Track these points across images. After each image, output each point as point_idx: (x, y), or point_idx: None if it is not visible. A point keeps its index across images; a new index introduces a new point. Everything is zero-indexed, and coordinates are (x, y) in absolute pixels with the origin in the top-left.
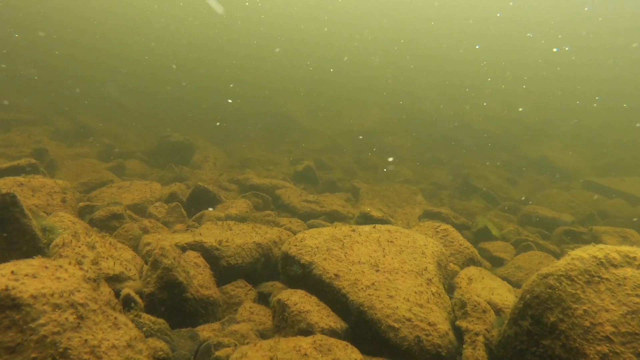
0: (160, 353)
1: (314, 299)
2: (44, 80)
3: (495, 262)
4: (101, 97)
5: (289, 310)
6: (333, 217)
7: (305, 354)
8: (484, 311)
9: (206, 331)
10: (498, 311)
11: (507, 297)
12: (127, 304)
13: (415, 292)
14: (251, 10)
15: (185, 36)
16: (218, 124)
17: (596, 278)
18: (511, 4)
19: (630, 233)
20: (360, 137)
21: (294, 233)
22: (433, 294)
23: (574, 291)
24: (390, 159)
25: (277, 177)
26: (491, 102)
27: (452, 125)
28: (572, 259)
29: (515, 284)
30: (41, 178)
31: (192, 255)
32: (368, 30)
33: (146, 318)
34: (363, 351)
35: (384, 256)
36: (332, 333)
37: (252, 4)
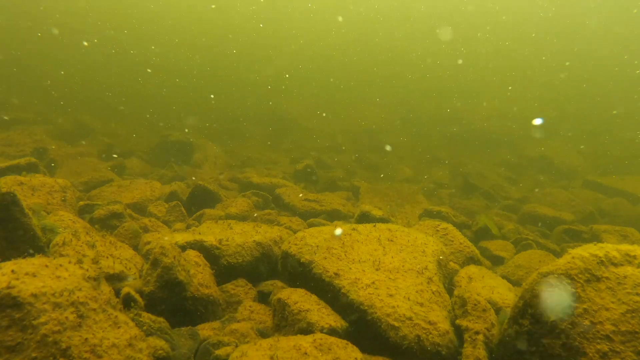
0: (160, 352)
1: (314, 297)
2: (47, 79)
3: (496, 261)
4: (102, 96)
5: (289, 309)
6: (333, 216)
7: (305, 353)
8: (484, 310)
9: (206, 330)
10: (498, 310)
11: (507, 295)
12: (127, 302)
13: (416, 291)
14: (252, 10)
15: (184, 37)
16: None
17: (596, 277)
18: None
19: (630, 232)
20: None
21: (294, 232)
22: (433, 293)
23: (574, 290)
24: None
25: (277, 176)
26: (492, 101)
27: (452, 123)
28: (573, 257)
29: (516, 283)
30: (41, 177)
31: (192, 254)
32: (369, 29)
33: (146, 317)
34: (363, 350)
35: (384, 255)
36: (332, 332)
37: (252, 4)
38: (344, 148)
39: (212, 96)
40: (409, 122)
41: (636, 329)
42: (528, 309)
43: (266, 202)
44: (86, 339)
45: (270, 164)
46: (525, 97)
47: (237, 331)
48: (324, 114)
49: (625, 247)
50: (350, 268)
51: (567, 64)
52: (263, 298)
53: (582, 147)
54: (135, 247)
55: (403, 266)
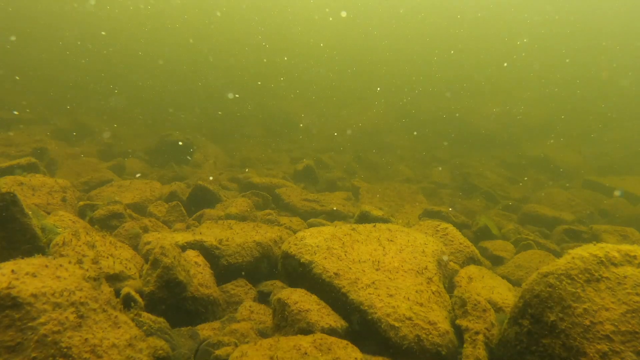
0: (160, 352)
1: (314, 297)
2: (45, 79)
3: (496, 261)
4: (102, 96)
5: (289, 309)
6: (333, 216)
7: (305, 353)
8: (484, 310)
9: (206, 330)
10: (498, 310)
11: (507, 296)
12: (127, 303)
13: (416, 291)
14: (249, 10)
15: (184, 37)
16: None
17: (596, 277)
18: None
19: (630, 232)
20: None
21: (294, 232)
22: (433, 293)
23: (574, 290)
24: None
25: (277, 176)
26: (492, 101)
27: (453, 123)
28: (573, 257)
29: (516, 283)
30: (41, 177)
31: (192, 254)
32: (368, 29)
33: (146, 317)
34: (363, 350)
35: (384, 255)
36: (332, 332)
37: (250, 4)
38: (343, 148)
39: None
40: (409, 122)
41: (636, 329)
42: (528, 309)
43: (266, 202)
44: (86, 339)
45: (270, 164)
46: (525, 97)
47: (237, 331)
48: (324, 114)
49: (625, 247)
50: (350, 268)
51: (567, 60)
52: (263, 298)
53: (581, 147)
54: (135, 247)
55: (403, 266)
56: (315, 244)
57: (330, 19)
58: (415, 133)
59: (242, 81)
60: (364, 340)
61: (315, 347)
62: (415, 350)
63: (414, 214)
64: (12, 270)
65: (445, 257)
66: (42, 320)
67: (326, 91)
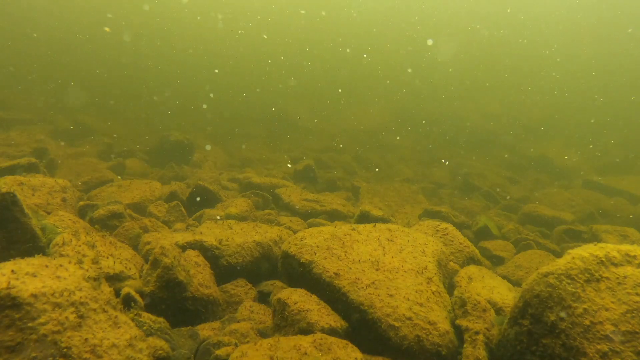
0: (160, 352)
1: (314, 297)
2: (45, 79)
3: (496, 261)
4: (102, 96)
5: (289, 309)
6: (333, 216)
7: (305, 353)
8: (484, 310)
9: (206, 330)
10: (498, 310)
11: (507, 296)
12: (127, 303)
13: (416, 291)
14: (249, 10)
15: (184, 37)
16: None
17: (596, 277)
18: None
19: (630, 232)
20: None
21: (294, 232)
22: (433, 293)
23: (574, 290)
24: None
25: (277, 176)
26: (491, 101)
27: (452, 123)
28: (573, 257)
29: (516, 283)
30: (41, 177)
31: (192, 254)
32: (367, 29)
33: (146, 317)
34: (363, 350)
35: (384, 255)
36: (332, 332)
37: (249, 4)
38: (343, 148)
39: (211, 95)
40: (409, 122)
41: (636, 329)
42: (528, 309)
43: (266, 202)
44: (86, 339)
45: (270, 164)
46: (524, 97)
47: (237, 331)
48: (324, 114)
49: (625, 247)
50: (350, 268)
51: (558, 59)
52: (263, 298)
53: (582, 147)
54: (135, 247)
55: (403, 266)
56: (315, 244)
57: (346, 9)
58: (414, 132)
59: (242, 82)
60: (364, 340)
61: (315, 347)
62: (415, 350)
63: (414, 214)
64: (12, 270)
65: (444, 257)
66: (42, 320)
67: (326, 91)
